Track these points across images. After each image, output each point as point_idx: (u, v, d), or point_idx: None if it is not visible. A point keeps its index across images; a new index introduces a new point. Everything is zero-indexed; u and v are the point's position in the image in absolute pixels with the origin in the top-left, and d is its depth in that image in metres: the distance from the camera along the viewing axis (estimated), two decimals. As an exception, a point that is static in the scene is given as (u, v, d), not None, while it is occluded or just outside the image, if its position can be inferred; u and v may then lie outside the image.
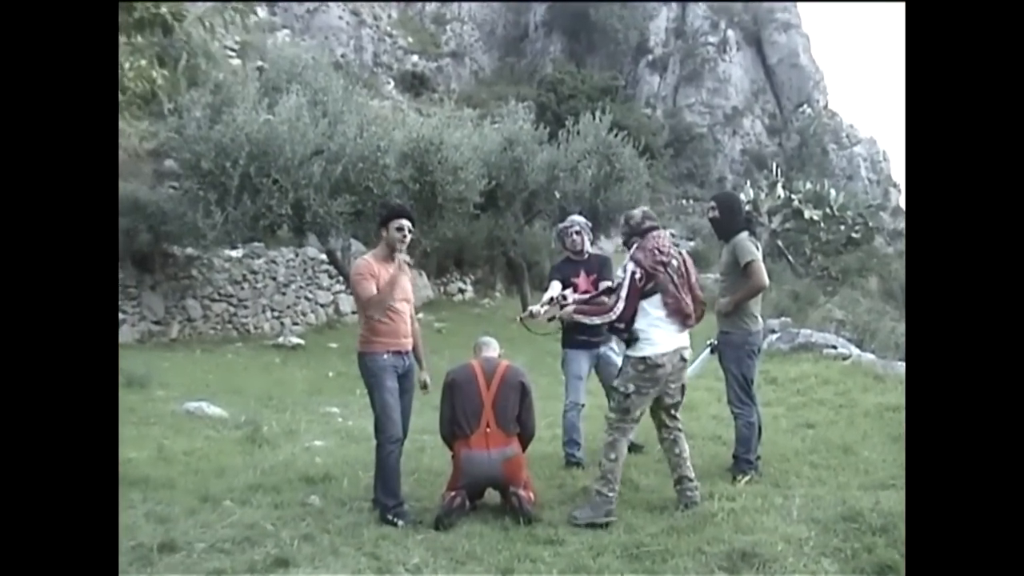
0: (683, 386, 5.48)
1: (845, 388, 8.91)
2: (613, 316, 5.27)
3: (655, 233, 5.44)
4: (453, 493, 5.31)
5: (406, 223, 5.52)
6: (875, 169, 49.42)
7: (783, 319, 14.30)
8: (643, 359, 5.21)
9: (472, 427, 5.38)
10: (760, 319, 6.20)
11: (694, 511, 5.15)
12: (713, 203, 6.30)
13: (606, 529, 5.01)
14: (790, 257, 24.46)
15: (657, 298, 5.26)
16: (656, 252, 5.30)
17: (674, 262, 5.35)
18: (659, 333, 5.24)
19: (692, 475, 5.40)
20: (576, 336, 6.48)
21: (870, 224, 25.74)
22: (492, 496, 5.59)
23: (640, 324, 5.25)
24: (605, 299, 5.48)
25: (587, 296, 5.97)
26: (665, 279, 5.27)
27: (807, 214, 24.21)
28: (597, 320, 5.41)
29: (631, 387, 5.24)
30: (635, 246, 5.42)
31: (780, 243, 24.64)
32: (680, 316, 5.28)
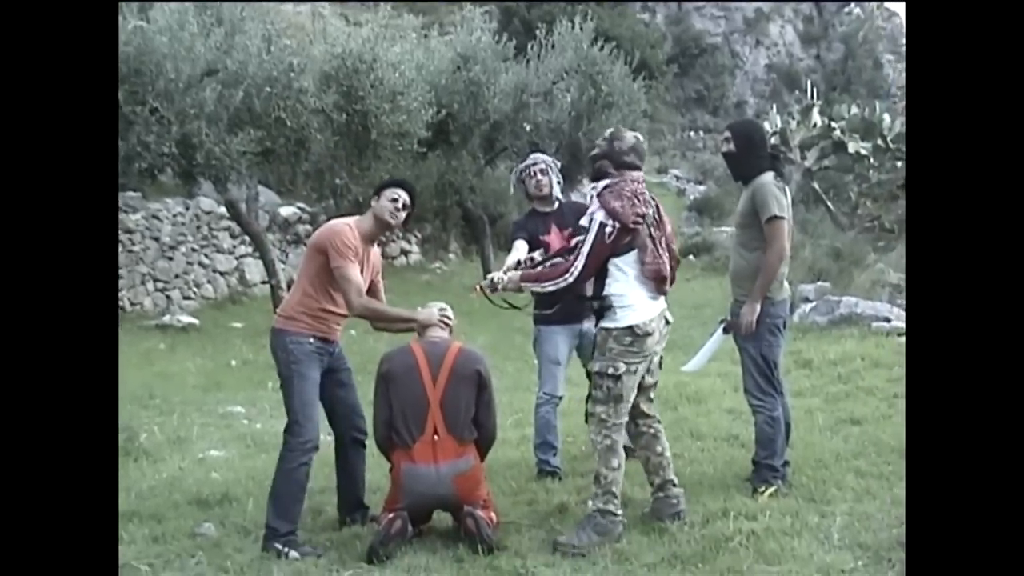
0: (661, 359, 5.63)
1: (902, 373, 8.92)
2: (569, 278, 5.32)
3: (635, 174, 5.46)
4: (392, 515, 5.27)
5: (403, 195, 5.62)
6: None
7: (820, 284, 14.35)
8: (629, 329, 5.26)
9: (415, 434, 5.33)
10: (787, 284, 6.20)
11: (703, 534, 5.16)
12: (728, 133, 6.27)
13: (588, 559, 5.00)
14: (829, 203, 24.52)
15: (633, 255, 5.31)
16: (635, 200, 5.30)
17: (650, 211, 5.38)
18: (639, 296, 5.33)
19: (676, 480, 5.61)
20: (551, 308, 6.36)
21: (937, 159, 25.73)
22: (442, 517, 5.57)
23: (616, 288, 5.31)
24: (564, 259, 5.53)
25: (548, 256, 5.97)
26: (644, 234, 5.31)
27: (852, 147, 24.20)
28: (550, 287, 5.46)
29: (620, 366, 5.28)
30: (605, 185, 5.41)
31: (817, 185, 24.68)
32: (658, 280, 5.37)
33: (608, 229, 5.24)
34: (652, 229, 5.36)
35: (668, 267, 5.42)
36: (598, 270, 5.32)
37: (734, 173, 6.34)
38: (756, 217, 5.97)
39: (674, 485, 5.57)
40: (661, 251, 5.38)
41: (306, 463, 5.37)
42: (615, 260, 5.30)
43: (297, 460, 5.33)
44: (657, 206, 5.50)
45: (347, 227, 5.50)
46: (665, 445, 5.64)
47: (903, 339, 10.33)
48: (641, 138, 5.68)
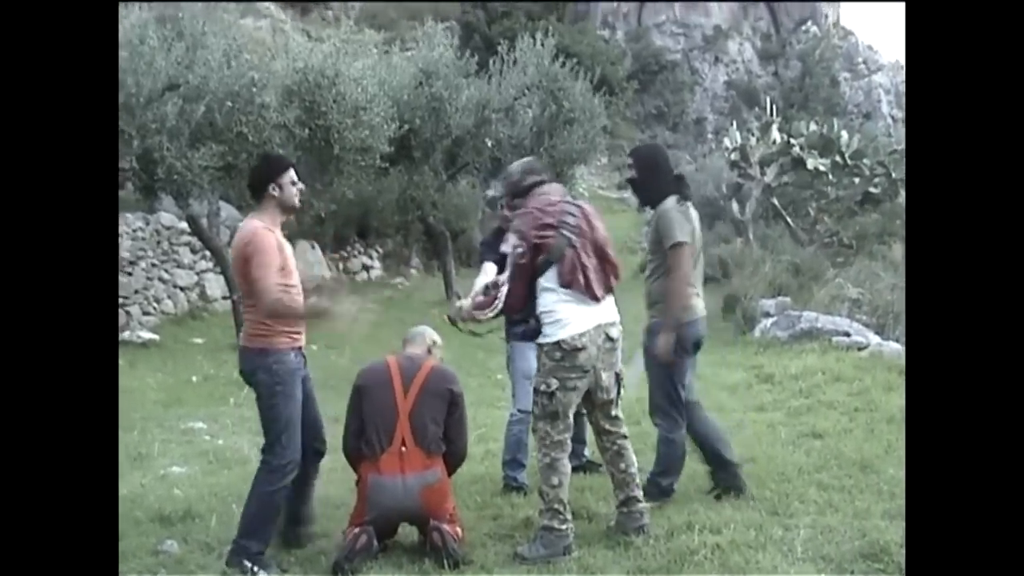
0: (618, 376, 5.53)
1: (862, 387, 9.04)
2: (498, 305, 5.41)
3: (540, 189, 5.47)
4: (357, 530, 5.25)
5: (294, 174, 5.42)
6: (900, 104, 50.12)
7: (780, 299, 14.44)
8: (558, 345, 5.24)
9: (383, 444, 5.32)
10: (700, 304, 6.11)
11: (668, 547, 5.18)
12: (630, 159, 6.22)
13: (553, 572, 5.01)
14: (789, 219, 24.68)
15: (554, 271, 5.27)
16: (539, 214, 5.30)
17: (570, 219, 5.33)
18: (569, 310, 5.27)
19: (641, 495, 5.56)
20: (522, 325, 6.31)
21: (893, 175, 25.60)
22: (408, 532, 5.57)
23: (545, 304, 5.30)
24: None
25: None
26: (559, 243, 5.25)
27: (811, 164, 24.34)
28: (490, 313, 5.52)
29: (553, 382, 5.27)
30: (518, 212, 5.45)
31: (776, 202, 24.84)
32: (582, 289, 5.27)
33: (519, 251, 5.27)
34: (573, 236, 5.28)
35: (594, 273, 5.31)
36: (529, 291, 5.32)
37: (640, 199, 6.35)
38: (662, 244, 5.92)
39: (639, 501, 5.52)
40: (585, 258, 5.29)
41: (286, 486, 5.20)
42: (540, 279, 5.29)
43: (278, 483, 5.15)
44: (585, 212, 5.44)
45: (262, 228, 5.19)
46: (630, 461, 5.57)
47: (862, 353, 10.43)
48: (531, 160, 5.74)
